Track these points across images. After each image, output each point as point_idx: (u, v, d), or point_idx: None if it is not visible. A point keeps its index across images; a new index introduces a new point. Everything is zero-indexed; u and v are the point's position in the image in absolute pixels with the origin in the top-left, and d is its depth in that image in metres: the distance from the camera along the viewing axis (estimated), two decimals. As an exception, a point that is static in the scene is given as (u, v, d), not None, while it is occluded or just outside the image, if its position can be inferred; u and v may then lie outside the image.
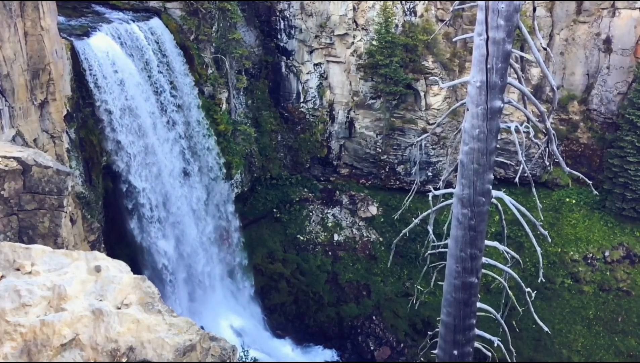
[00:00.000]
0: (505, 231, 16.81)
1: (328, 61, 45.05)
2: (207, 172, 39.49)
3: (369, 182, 47.82)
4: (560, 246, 43.73)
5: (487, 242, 14.60)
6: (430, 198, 15.09)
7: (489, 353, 16.03)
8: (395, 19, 42.33)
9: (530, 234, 14.82)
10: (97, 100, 30.29)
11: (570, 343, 41.25)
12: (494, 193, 13.83)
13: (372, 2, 42.49)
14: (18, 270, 8.52)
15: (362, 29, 43.40)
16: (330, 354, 42.61)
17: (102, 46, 30.26)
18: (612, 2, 41.65)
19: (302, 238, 45.81)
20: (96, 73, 29.46)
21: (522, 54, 13.20)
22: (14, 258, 8.68)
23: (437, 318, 16.09)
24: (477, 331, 15.42)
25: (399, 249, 43.06)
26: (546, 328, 16.44)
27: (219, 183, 40.67)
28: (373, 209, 47.04)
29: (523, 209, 14.39)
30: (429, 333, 17.49)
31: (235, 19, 40.06)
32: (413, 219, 16.78)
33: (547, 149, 13.60)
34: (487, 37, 11.79)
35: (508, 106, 13.17)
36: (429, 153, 45.60)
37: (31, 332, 7.54)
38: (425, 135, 18.50)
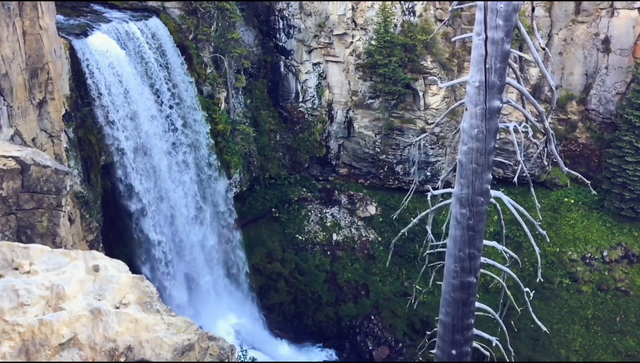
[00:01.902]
0: (504, 231, 16.80)
1: (327, 61, 45.05)
2: (215, 215, 39.70)
3: (368, 182, 47.82)
4: (558, 246, 43.76)
5: (485, 242, 14.60)
6: (429, 198, 15.08)
7: (488, 353, 16.03)
8: (394, 18, 42.33)
9: (529, 234, 14.82)
10: (108, 137, 30.54)
11: (568, 343, 41.28)
12: (493, 192, 13.83)
13: (371, 2, 42.48)
14: (16, 269, 8.51)
15: (361, 28, 43.40)
16: (328, 354, 42.62)
17: (100, 45, 30.21)
18: (610, 2, 41.66)
19: (300, 237, 45.80)
20: (93, 71, 29.42)
21: (521, 54, 13.21)
22: (12, 257, 8.67)
23: (436, 318, 16.09)
24: (475, 331, 15.43)
25: (398, 249, 43.07)
26: (544, 328, 16.43)
27: (230, 229, 41.07)
28: (372, 209, 47.05)
29: (522, 209, 14.38)
30: (428, 332, 17.48)
31: (234, 18, 40.04)
32: (412, 219, 16.78)
33: (546, 149, 13.60)
34: (486, 37, 11.79)
35: (507, 106, 13.18)
36: (427, 153, 45.60)
37: (29, 331, 7.53)
38: (424, 135, 18.49)
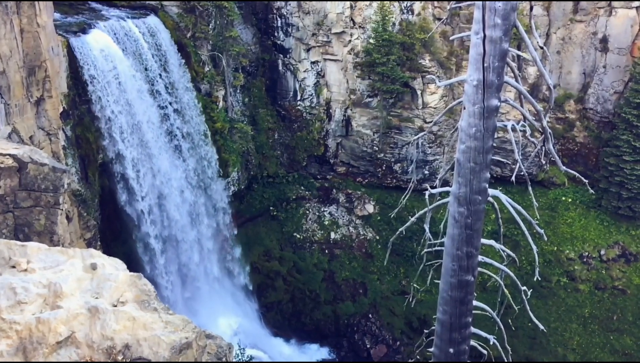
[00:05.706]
0: (502, 230, 16.82)
1: (325, 59, 45.00)
2: (220, 237, 40.49)
3: (366, 180, 47.82)
4: (556, 244, 43.81)
5: (483, 240, 14.61)
6: (426, 197, 15.09)
7: (485, 352, 16.06)
8: (392, 17, 42.30)
9: (527, 232, 14.84)
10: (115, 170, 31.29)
11: (565, 341, 41.35)
12: (491, 191, 13.84)
13: (369, 1, 42.45)
14: (14, 267, 8.49)
15: (359, 27, 43.36)
16: (326, 352, 42.63)
17: (98, 43, 30.15)
18: (608, 1, 41.69)
19: (298, 236, 45.79)
20: (91, 69, 29.41)
21: (519, 52, 13.22)
22: (9, 255, 8.65)
23: (433, 317, 16.11)
24: (473, 329, 15.45)
25: (396, 247, 43.07)
26: (542, 327, 16.46)
27: (233, 246, 41.97)
28: (370, 208, 47.06)
29: (519, 207, 14.40)
30: (425, 331, 17.51)
31: (232, 16, 39.98)
32: (409, 217, 16.77)
33: (544, 148, 13.61)
34: (484, 35, 11.79)
35: (505, 105, 13.19)
36: (425, 152, 45.61)
37: (27, 329, 7.52)
38: (422, 133, 18.50)
